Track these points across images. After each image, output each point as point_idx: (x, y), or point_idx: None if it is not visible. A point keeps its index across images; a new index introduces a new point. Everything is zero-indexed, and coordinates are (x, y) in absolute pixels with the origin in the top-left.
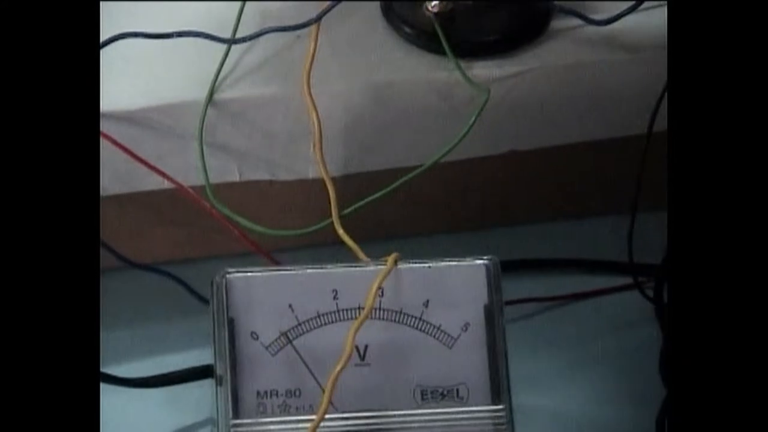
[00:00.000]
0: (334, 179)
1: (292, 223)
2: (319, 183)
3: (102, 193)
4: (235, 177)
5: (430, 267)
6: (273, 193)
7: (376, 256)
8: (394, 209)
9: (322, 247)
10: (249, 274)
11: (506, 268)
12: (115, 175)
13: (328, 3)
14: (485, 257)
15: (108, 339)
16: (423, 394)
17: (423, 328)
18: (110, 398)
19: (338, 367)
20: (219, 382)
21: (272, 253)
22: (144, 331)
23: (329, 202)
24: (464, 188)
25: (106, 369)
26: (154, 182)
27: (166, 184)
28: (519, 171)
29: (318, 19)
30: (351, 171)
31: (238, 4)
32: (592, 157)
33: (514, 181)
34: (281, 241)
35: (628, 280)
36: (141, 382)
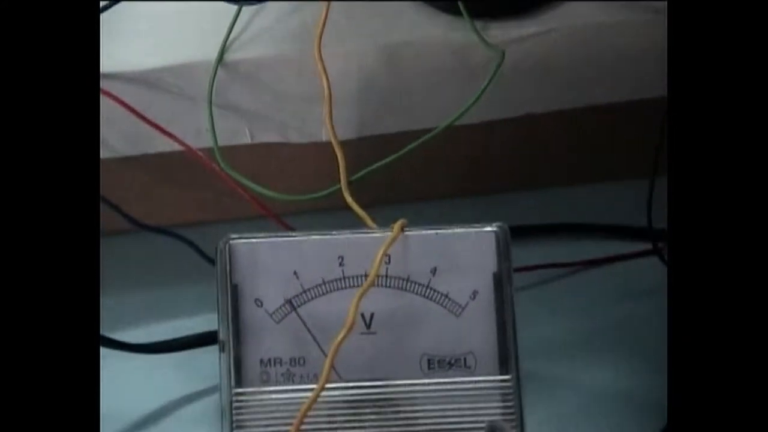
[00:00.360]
0: (348, 142)
1: (305, 186)
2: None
3: (112, 154)
4: (247, 139)
5: (437, 234)
6: (286, 156)
7: (390, 221)
8: (409, 173)
9: (336, 211)
10: (253, 240)
11: (523, 233)
12: (126, 136)
13: None
14: (494, 224)
15: (118, 303)
16: (430, 363)
17: (430, 296)
18: (118, 364)
19: (340, 336)
20: (222, 348)
21: (285, 217)
22: (154, 295)
23: (337, 168)
24: (481, 152)
25: (115, 333)
26: (164, 144)
27: (177, 146)
28: (536, 134)
29: None
30: (365, 133)
31: None
32: (612, 120)
33: (531, 145)
34: (293, 205)
35: (647, 245)
36: (149, 348)
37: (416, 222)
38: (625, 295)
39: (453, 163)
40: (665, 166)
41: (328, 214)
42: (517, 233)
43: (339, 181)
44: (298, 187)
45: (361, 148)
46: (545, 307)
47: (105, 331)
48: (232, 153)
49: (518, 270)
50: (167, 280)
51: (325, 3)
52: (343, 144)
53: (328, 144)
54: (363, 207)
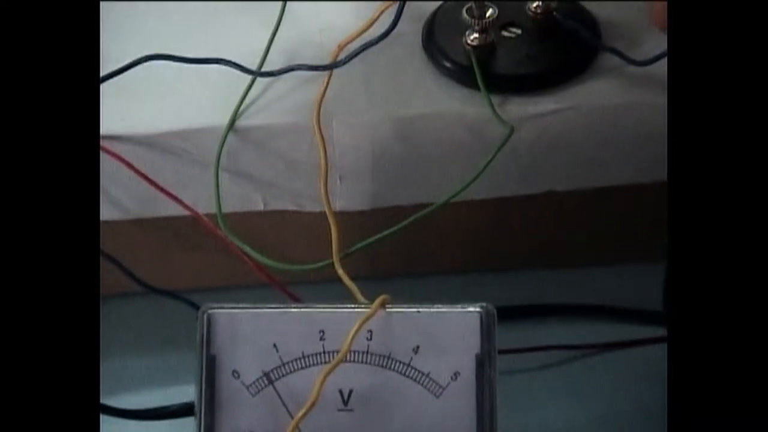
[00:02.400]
0: (362, 213)
1: (319, 254)
2: (347, 215)
3: (124, 215)
4: (260, 206)
5: (419, 312)
6: (299, 224)
7: (401, 295)
8: (421, 245)
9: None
10: (233, 310)
11: (536, 312)
12: (138, 198)
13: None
14: (479, 304)
15: (122, 365)
16: None
17: (411, 375)
18: (115, 427)
19: (300, 413)
20: (198, 419)
21: (293, 286)
22: (159, 359)
23: (329, 239)
24: (498, 228)
25: (117, 396)
26: (175, 207)
27: (186, 211)
28: (554, 212)
29: (346, 62)
30: (379, 205)
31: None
32: (630, 201)
33: (548, 223)
34: (303, 274)
35: (661, 331)
36: (144, 414)
37: (424, 297)
38: (636, 381)
39: (468, 237)
40: None
41: (335, 283)
42: (527, 312)
43: (352, 251)
44: (311, 255)
45: (374, 220)
46: (554, 390)
47: (108, 393)
48: (244, 219)
49: (523, 350)
50: (172, 344)
51: (324, 84)
52: (357, 215)
53: (342, 213)
54: (371, 279)
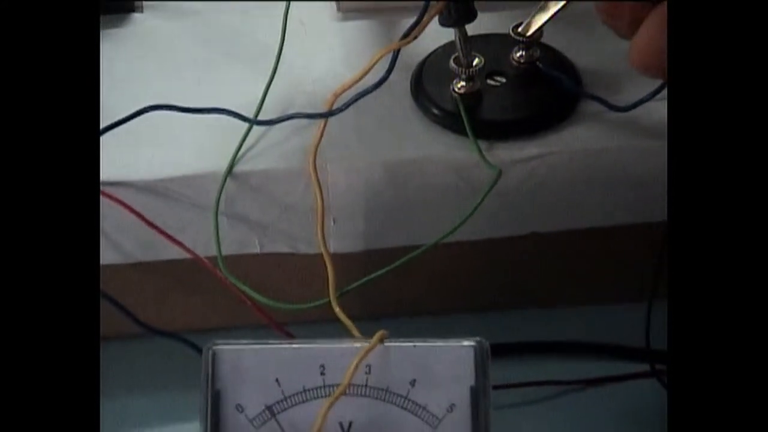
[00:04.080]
0: (355, 254)
1: (314, 294)
2: (340, 257)
3: (127, 259)
4: (256, 249)
5: (415, 346)
6: (294, 265)
7: (393, 332)
8: (414, 286)
9: (335, 321)
10: (237, 346)
11: (522, 350)
12: (140, 242)
13: (355, 91)
14: (473, 338)
15: (123, 405)
16: None
17: (408, 408)
18: None
19: None
20: None
21: (290, 325)
22: (161, 398)
23: (325, 280)
24: (486, 268)
25: None
26: (176, 251)
27: (187, 254)
28: (541, 253)
29: (340, 111)
30: (372, 247)
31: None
32: (613, 243)
33: (536, 263)
34: (300, 313)
35: (645, 367)
36: None
37: (415, 335)
38: (620, 416)
39: (458, 278)
40: (664, 288)
41: (329, 323)
42: (516, 350)
43: (347, 290)
44: (304, 295)
45: (366, 261)
46: (539, 425)
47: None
48: (241, 261)
49: (514, 386)
50: (174, 384)
51: (320, 132)
52: (350, 256)
53: (336, 255)
54: (366, 318)
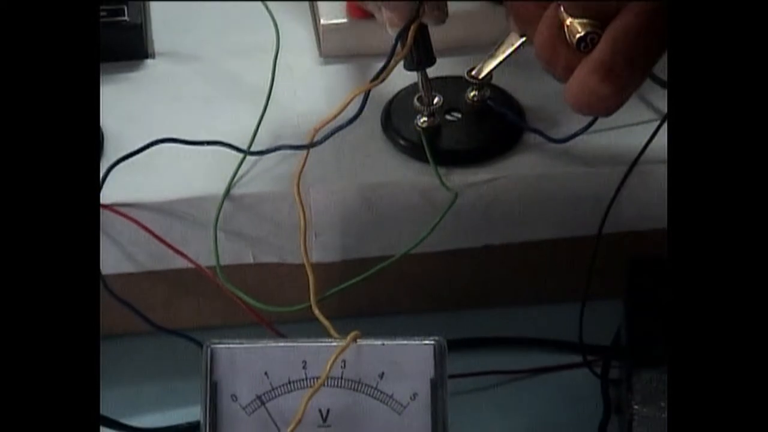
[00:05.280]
0: (333, 264)
1: (299, 298)
2: (321, 266)
3: (139, 269)
4: (250, 260)
5: (384, 344)
6: (283, 274)
7: (365, 331)
8: (383, 291)
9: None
10: (231, 345)
11: (475, 344)
12: (150, 254)
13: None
14: (433, 337)
15: (137, 393)
16: None
17: (377, 397)
18: None
19: (288, 429)
20: None
21: (279, 325)
22: (170, 388)
23: (307, 286)
24: (447, 275)
25: (135, 420)
26: (181, 262)
27: (191, 264)
28: (493, 262)
29: (320, 143)
30: (348, 257)
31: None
32: (552, 253)
33: (488, 270)
34: (288, 314)
35: (578, 358)
36: None
37: (387, 333)
38: (558, 400)
39: (422, 283)
40: (594, 292)
41: (313, 322)
42: (471, 344)
43: (327, 295)
44: (294, 299)
45: (343, 269)
46: (489, 408)
47: (125, 416)
48: (237, 271)
49: (468, 375)
50: (179, 375)
51: (306, 150)
52: (329, 266)
53: (319, 265)
54: (342, 318)
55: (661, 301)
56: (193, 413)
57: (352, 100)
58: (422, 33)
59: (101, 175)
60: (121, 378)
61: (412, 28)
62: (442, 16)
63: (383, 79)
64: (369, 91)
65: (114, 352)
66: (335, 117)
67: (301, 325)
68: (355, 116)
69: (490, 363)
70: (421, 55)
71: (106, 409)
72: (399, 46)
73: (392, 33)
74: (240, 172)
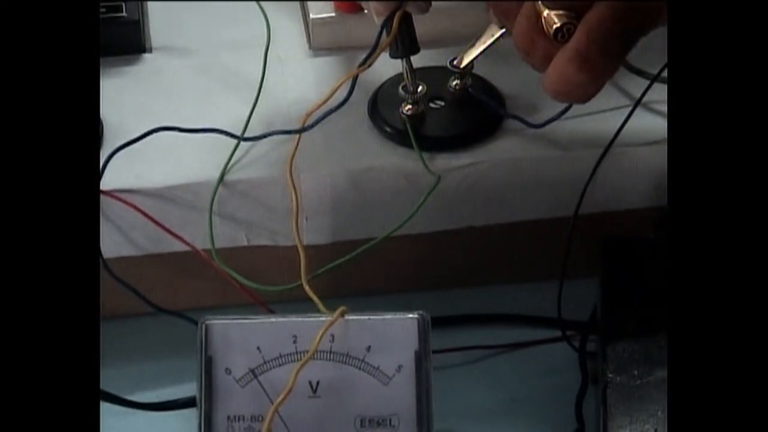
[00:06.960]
0: (323, 246)
1: (290, 279)
2: (312, 248)
3: (139, 252)
4: (244, 242)
5: (370, 319)
6: (275, 255)
7: (354, 308)
8: (372, 270)
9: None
10: (225, 321)
11: (459, 321)
12: (149, 238)
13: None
14: (417, 312)
15: (140, 370)
16: (362, 422)
17: (365, 369)
18: (131, 419)
19: (279, 399)
20: (199, 408)
21: (271, 303)
22: (169, 365)
23: (299, 266)
24: (430, 255)
25: (137, 394)
26: (178, 245)
27: (188, 247)
28: (475, 242)
29: (311, 127)
30: (337, 239)
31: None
32: (531, 233)
33: (471, 250)
34: (280, 294)
35: (557, 333)
36: (157, 406)
37: (373, 309)
38: (537, 372)
39: (407, 263)
40: (571, 270)
41: (304, 302)
42: (454, 321)
43: (317, 274)
44: (284, 279)
45: (333, 251)
46: (476, 380)
47: (127, 391)
48: (232, 253)
49: (451, 350)
50: (177, 352)
51: (294, 145)
52: (319, 247)
53: (309, 246)
54: (332, 297)
55: (634, 278)
56: (191, 389)
57: (341, 85)
58: (406, 22)
59: (101, 162)
60: (124, 355)
61: (397, 16)
62: (425, 6)
63: (370, 64)
64: (356, 76)
65: (115, 332)
66: (325, 102)
67: (294, 305)
68: (343, 102)
69: (474, 338)
70: (405, 44)
71: (108, 386)
72: (384, 34)
73: (378, 23)
74: (234, 159)
